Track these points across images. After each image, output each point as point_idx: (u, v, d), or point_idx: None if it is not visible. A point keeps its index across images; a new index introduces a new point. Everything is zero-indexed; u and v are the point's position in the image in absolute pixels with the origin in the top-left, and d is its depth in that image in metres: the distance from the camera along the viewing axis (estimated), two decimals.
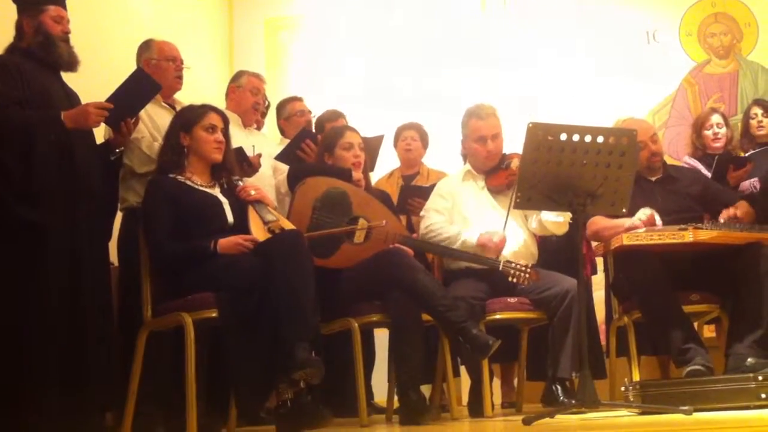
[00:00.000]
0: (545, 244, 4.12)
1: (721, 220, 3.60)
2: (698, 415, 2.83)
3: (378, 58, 6.17)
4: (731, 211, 3.68)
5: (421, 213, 4.00)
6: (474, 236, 3.69)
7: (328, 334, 3.47)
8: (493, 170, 3.92)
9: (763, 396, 3.05)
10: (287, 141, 4.29)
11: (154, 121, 3.62)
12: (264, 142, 4.12)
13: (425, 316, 3.39)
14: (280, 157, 3.95)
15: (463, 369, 4.09)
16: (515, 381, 4.26)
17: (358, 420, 3.29)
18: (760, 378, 3.08)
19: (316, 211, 3.47)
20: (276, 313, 2.87)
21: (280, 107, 4.75)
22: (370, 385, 4.32)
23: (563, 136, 2.98)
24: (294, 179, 3.59)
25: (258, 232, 3.13)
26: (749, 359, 3.36)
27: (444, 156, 5.04)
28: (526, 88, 5.78)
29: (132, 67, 3.58)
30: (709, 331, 4.51)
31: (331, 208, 3.49)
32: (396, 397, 3.50)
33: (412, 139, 4.96)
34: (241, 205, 3.23)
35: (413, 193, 4.42)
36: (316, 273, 3.09)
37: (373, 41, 6.20)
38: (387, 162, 5.03)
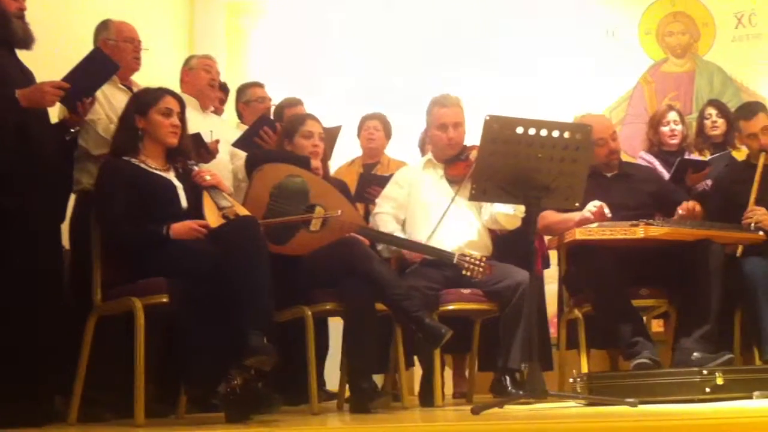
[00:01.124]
0: (500, 237, 4.16)
1: (680, 212, 3.66)
2: (643, 408, 2.88)
3: (339, 45, 6.15)
4: (691, 204, 3.74)
5: (377, 199, 4.02)
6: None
7: (283, 322, 3.48)
8: (453, 160, 3.95)
9: (708, 390, 3.13)
10: (245, 126, 4.27)
11: (110, 102, 3.57)
12: (222, 127, 4.08)
13: (379, 306, 3.40)
14: (238, 144, 3.93)
15: (417, 359, 4.12)
16: (467, 372, 4.30)
17: (309, 407, 3.30)
18: (705, 372, 3.16)
19: (273, 198, 3.46)
20: (229, 299, 2.86)
21: (241, 91, 4.72)
22: (323, 373, 4.32)
23: (520, 130, 3.00)
24: (252, 165, 3.57)
25: (212, 217, 3.11)
26: (695, 354, 3.44)
27: (408, 148, 5.06)
28: (485, 85, 5.81)
29: (89, 47, 3.53)
30: (658, 326, 4.59)
31: (289, 196, 3.48)
32: (348, 386, 3.51)
33: (375, 129, 4.97)
34: (195, 191, 3.21)
35: (372, 181, 4.43)
36: (271, 260, 3.08)
37: (335, 29, 6.18)
38: (349, 151, 5.04)
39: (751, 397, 3.12)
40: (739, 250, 3.76)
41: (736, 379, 3.19)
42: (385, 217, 3.91)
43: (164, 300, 2.94)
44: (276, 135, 3.87)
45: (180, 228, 3.01)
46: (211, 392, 3.10)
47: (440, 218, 3.79)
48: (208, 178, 3.22)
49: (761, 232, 3.70)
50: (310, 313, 3.34)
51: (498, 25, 6.10)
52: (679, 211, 3.67)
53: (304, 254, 3.43)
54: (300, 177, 3.52)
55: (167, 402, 3.38)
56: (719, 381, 3.14)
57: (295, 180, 3.50)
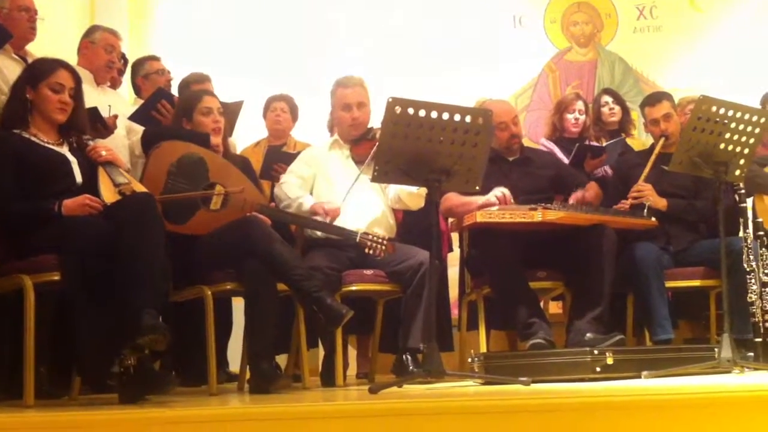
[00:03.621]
0: (405, 219, 4.20)
1: (571, 202, 3.76)
2: (536, 386, 2.97)
3: (244, 22, 6.06)
4: (579, 194, 3.86)
5: (282, 175, 4.01)
6: (309, 203, 3.76)
7: (185, 301, 3.42)
8: (358, 140, 3.95)
9: (598, 369, 3.24)
10: (142, 101, 4.16)
11: (2, 73, 3.44)
12: (118, 102, 3.95)
13: (281, 286, 3.38)
14: (134, 117, 3.82)
15: (320, 340, 4.11)
16: (371, 352, 4.33)
17: (207, 388, 3.26)
18: (596, 352, 3.27)
19: (172, 176, 3.38)
20: (122, 277, 2.79)
21: (137, 65, 4.55)
22: (225, 354, 4.28)
23: (422, 113, 3.02)
24: (149, 142, 3.48)
25: (108, 194, 3.02)
26: (588, 334, 3.56)
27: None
28: (393, 65, 5.83)
29: None
30: (557, 308, 4.72)
31: (187, 174, 3.40)
32: (248, 367, 3.49)
33: (282, 110, 4.93)
34: (91, 166, 3.11)
35: (278, 158, 4.39)
36: (170, 239, 3.02)
37: (241, 5, 6.08)
38: (255, 131, 4.99)
39: (639, 377, 3.24)
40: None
41: (626, 360, 3.32)
42: (290, 184, 3.88)
43: (55, 278, 2.85)
44: (174, 110, 3.78)
45: (72, 204, 2.92)
46: (104, 372, 3.03)
47: (344, 197, 3.79)
48: (104, 153, 3.13)
49: (653, 218, 3.84)
50: (209, 292, 3.29)
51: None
52: (570, 201, 3.76)
53: (204, 233, 3.37)
54: (199, 154, 3.44)
55: (60, 383, 3.28)
56: (609, 361, 3.25)
57: (194, 157, 3.42)
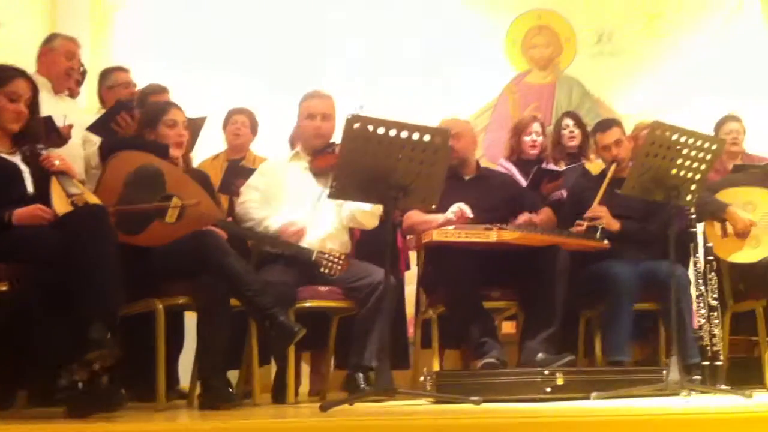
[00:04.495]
0: (362, 236, 4.20)
1: (517, 223, 3.79)
2: (486, 405, 2.97)
3: (207, 28, 6.03)
4: (526, 216, 3.90)
5: (241, 188, 3.98)
6: (276, 224, 3.73)
7: (137, 315, 3.38)
8: (319, 152, 3.94)
9: (548, 389, 3.26)
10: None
11: None
12: (76, 111, 3.92)
13: (234, 301, 3.36)
14: (93, 128, 3.78)
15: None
16: (324, 369, 4.31)
17: (156, 405, 3.22)
18: (546, 373, 3.29)
19: (128, 187, 3.33)
20: (73, 289, 2.75)
21: (104, 75, 4.53)
22: (176, 370, 4.22)
23: (381, 130, 3.03)
24: (106, 152, 3.42)
25: (60, 204, 2.97)
26: (539, 355, 3.58)
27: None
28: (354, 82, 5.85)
29: None
30: (511, 327, 4.74)
31: (144, 185, 3.36)
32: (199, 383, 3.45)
33: (242, 124, 4.92)
34: (44, 176, 3.06)
35: (239, 173, 4.37)
36: (123, 250, 2.98)
37: (204, 14, 6.05)
38: (215, 144, 4.97)
39: (589, 398, 3.27)
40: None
41: (576, 380, 3.35)
42: (253, 204, 3.85)
43: (3, 288, 2.81)
44: (134, 121, 3.75)
45: (23, 213, 2.87)
46: (50, 386, 2.98)
47: (308, 212, 3.76)
48: (57, 163, 3.08)
49: (606, 241, 3.89)
50: (161, 306, 3.26)
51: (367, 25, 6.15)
52: (517, 221, 3.78)
53: (159, 246, 3.34)
54: (156, 166, 3.41)
55: (6, 395, 3.21)
56: (559, 381, 3.28)
57: (151, 168, 3.38)
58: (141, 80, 4.58)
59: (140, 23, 5.98)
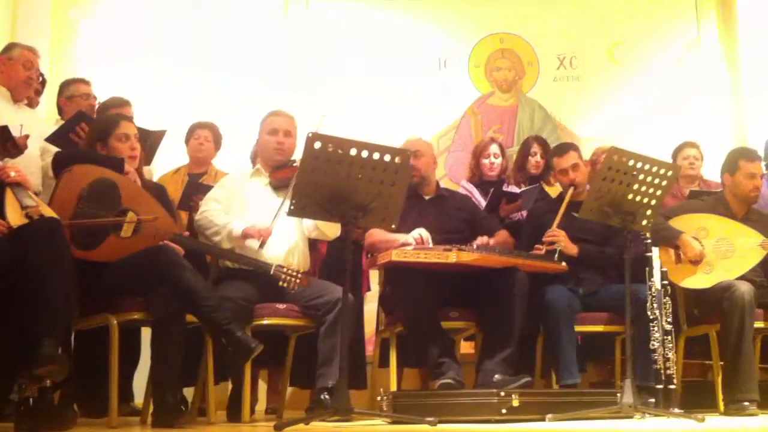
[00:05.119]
0: (325, 255, 4.19)
1: (474, 246, 3.80)
2: (442, 426, 2.97)
3: (175, 40, 6.00)
4: (485, 239, 3.93)
5: (201, 202, 3.95)
6: (240, 227, 3.69)
7: (90, 329, 3.33)
8: (279, 167, 3.93)
9: (504, 411, 3.27)
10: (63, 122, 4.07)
11: None
12: (34, 121, 3.87)
13: (190, 317, 3.32)
14: (51, 140, 3.73)
15: None
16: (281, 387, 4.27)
17: (108, 421, 3.17)
18: (502, 394, 3.30)
19: (82, 201, 3.29)
20: (24, 303, 2.70)
21: (64, 86, 4.49)
22: (131, 385, 4.17)
23: (341, 150, 3.04)
24: (60, 165, 3.38)
25: (14, 216, 2.93)
26: (496, 376, 3.59)
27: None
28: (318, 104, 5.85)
29: None
30: (469, 347, 4.75)
31: (99, 199, 3.31)
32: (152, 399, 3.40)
33: (206, 138, 4.88)
34: None
35: (198, 189, 4.34)
36: (78, 265, 2.94)
37: (169, 32, 6.03)
38: (175, 158, 4.93)
39: (544, 419, 3.29)
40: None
41: (532, 402, 3.36)
42: (213, 211, 3.79)
43: None
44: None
45: None
46: (1, 400, 2.92)
47: (271, 224, 3.74)
48: (12, 174, 3.04)
49: (564, 263, 3.93)
50: (115, 321, 3.22)
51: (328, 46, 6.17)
52: (474, 245, 3.79)
53: (114, 260, 3.29)
54: (112, 180, 3.36)
55: None
56: (515, 403, 3.29)
57: (106, 182, 3.34)
58: (104, 92, 4.54)
59: (105, 34, 5.92)
